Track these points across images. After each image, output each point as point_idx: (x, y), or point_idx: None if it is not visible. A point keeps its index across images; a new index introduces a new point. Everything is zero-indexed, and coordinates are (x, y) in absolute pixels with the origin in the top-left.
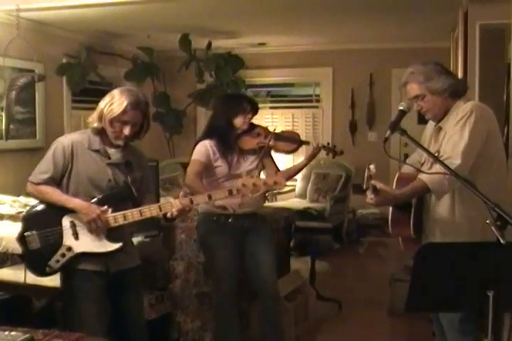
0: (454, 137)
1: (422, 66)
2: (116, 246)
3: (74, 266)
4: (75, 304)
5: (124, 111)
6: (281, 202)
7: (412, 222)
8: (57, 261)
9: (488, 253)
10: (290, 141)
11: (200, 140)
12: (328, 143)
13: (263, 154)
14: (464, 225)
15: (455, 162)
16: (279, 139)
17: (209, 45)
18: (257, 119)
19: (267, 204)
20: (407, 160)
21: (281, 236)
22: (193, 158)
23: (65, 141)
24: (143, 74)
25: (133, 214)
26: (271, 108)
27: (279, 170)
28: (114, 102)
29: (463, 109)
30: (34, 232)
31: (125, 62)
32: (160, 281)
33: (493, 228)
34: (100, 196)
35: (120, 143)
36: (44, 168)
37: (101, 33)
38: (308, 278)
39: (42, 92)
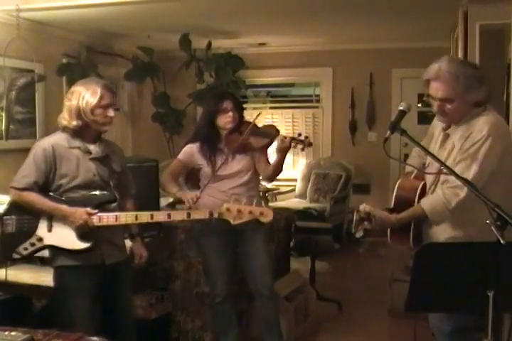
0: (464, 162)
1: (462, 67)
2: (84, 245)
3: (66, 262)
4: (68, 302)
5: (101, 97)
6: (281, 202)
7: (411, 235)
8: (26, 249)
9: (488, 253)
10: (262, 135)
11: (187, 143)
12: (300, 134)
13: (250, 152)
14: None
15: (460, 194)
16: (253, 134)
17: (209, 45)
18: (257, 120)
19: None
20: (408, 160)
21: (281, 236)
22: (177, 157)
23: (44, 144)
24: (143, 74)
25: (126, 217)
26: (271, 108)
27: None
28: (86, 94)
29: (479, 130)
30: (13, 217)
31: (125, 62)
32: (160, 281)
33: (493, 228)
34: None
35: (107, 128)
36: (26, 172)
37: (101, 33)
38: (308, 278)
39: (42, 92)
